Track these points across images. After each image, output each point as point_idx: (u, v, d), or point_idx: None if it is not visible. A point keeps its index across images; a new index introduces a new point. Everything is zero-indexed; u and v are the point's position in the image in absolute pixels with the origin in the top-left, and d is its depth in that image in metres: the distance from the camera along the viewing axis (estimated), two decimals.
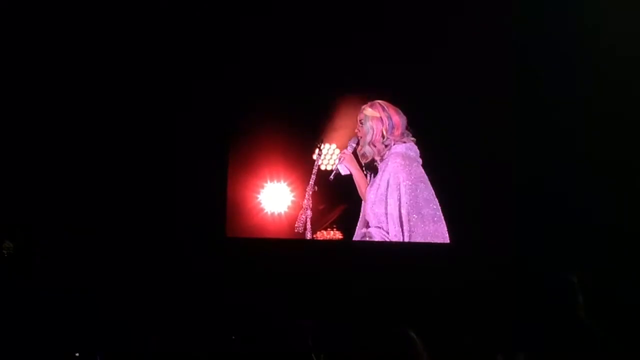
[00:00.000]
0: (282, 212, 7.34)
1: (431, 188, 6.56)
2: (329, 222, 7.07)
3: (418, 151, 6.60)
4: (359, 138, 6.61)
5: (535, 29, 6.75)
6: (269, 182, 7.35)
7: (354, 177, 6.66)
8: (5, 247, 6.35)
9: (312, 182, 6.67)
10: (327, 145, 6.98)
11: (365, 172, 6.70)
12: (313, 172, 6.70)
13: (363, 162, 6.65)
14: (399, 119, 6.58)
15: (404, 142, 6.56)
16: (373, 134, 6.55)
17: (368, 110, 6.60)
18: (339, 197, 7.03)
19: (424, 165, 6.64)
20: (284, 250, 6.59)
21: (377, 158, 6.58)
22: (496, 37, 6.88)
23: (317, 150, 6.84)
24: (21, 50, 6.81)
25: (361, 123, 6.59)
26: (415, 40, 6.89)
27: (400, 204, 6.47)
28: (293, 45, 6.95)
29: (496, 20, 6.85)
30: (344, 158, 6.61)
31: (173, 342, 5.71)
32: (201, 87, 6.87)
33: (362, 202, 6.72)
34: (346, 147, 6.66)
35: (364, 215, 6.72)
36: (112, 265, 6.48)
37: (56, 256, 6.37)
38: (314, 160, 6.78)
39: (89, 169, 6.78)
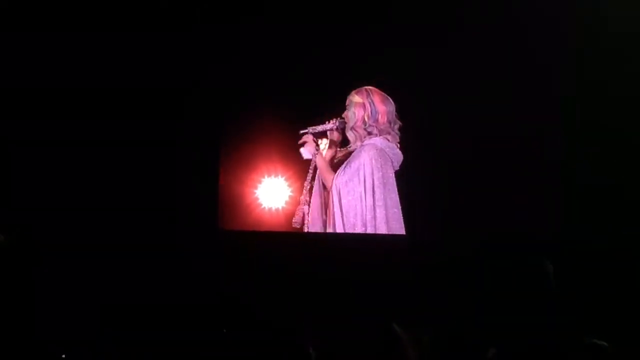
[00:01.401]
0: (280, 208, 7.36)
1: (397, 192, 6.41)
2: None
3: (399, 155, 6.46)
4: (345, 123, 6.49)
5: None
6: (266, 177, 7.35)
7: (318, 164, 6.47)
8: None
9: (309, 177, 6.51)
10: (325, 140, 6.80)
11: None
12: (310, 167, 6.53)
13: (347, 145, 6.55)
14: (383, 106, 6.42)
15: (387, 140, 6.41)
16: (355, 119, 6.42)
17: (354, 96, 6.47)
18: None
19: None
20: (273, 243, 6.45)
21: (359, 144, 6.44)
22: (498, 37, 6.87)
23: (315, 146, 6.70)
24: (16, 50, 6.79)
25: (347, 108, 6.49)
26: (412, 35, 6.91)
27: (366, 195, 6.31)
28: (288, 38, 6.89)
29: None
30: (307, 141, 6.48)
31: (168, 336, 5.65)
32: (196, 81, 6.81)
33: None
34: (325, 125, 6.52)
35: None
36: (106, 260, 6.42)
37: (47, 251, 6.31)
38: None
39: (79, 164, 6.75)
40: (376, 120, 6.39)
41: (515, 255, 5.54)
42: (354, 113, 6.41)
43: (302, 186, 6.56)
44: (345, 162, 6.45)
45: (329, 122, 6.52)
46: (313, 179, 6.50)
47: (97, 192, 6.67)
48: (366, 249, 6.04)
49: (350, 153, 6.50)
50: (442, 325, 4.75)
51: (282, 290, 5.87)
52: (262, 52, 6.95)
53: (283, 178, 7.35)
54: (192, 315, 5.97)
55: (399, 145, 6.48)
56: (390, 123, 6.43)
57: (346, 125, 6.48)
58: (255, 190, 7.31)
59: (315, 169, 6.51)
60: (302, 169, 6.72)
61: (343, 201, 6.37)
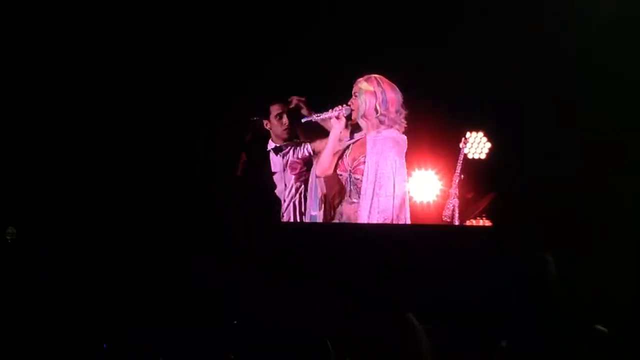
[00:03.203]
0: (431, 201, 7.31)
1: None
2: (479, 210, 7.01)
3: (406, 147, 6.45)
4: (352, 110, 6.47)
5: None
6: (416, 169, 7.31)
7: (330, 138, 6.44)
8: (8, 233, 6.37)
9: (458, 170, 6.69)
10: (474, 134, 7.12)
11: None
12: (459, 160, 6.72)
13: (356, 132, 6.57)
14: (393, 95, 6.44)
15: (398, 132, 6.41)
16: (366, 107, 6.41)
17: (363, 84, 6.47)
18: (487, 185, 7.09)
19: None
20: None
21: (369, 131, 6.42)
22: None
23: (463, 139, 6.88)
24: (14, 51, 6.93)
25: (355, 96, 6.48)
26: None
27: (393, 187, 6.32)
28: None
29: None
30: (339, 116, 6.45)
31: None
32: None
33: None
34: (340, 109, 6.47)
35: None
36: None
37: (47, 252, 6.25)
38: (460, 149, 6.79)
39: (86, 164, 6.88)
40: (387, 109, 6.39)
41: (517, 249, 5.32)
42: (365, 101, 6.39)
43: (451, 179, 6.72)
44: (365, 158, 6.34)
45: (333, 109, 6.47)
46: (462, 171, 6.68)
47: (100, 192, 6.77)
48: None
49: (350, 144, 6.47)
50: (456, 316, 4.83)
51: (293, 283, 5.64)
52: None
53: (433, 171, 7.32)
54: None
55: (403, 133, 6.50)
56: (397, 112, 6.42)
57: (353, 112, 6.42)
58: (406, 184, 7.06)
59: (464, 162, 6.69)
60: (451, 163, 6.85)
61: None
